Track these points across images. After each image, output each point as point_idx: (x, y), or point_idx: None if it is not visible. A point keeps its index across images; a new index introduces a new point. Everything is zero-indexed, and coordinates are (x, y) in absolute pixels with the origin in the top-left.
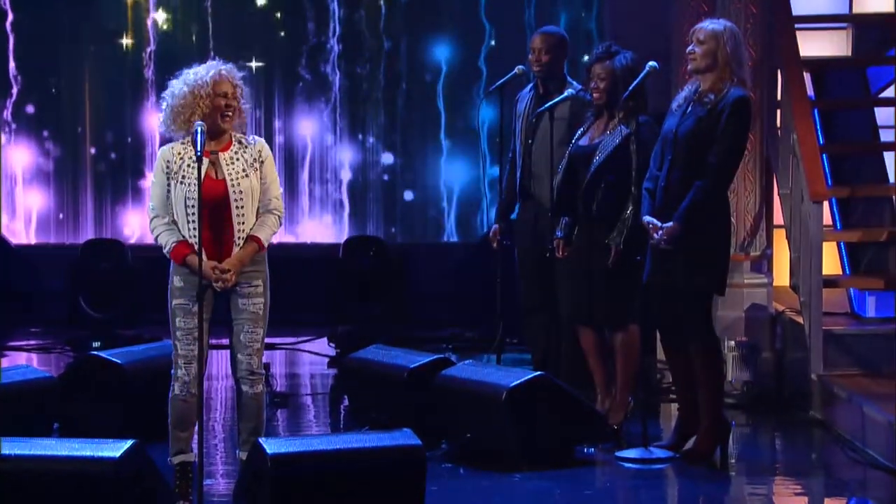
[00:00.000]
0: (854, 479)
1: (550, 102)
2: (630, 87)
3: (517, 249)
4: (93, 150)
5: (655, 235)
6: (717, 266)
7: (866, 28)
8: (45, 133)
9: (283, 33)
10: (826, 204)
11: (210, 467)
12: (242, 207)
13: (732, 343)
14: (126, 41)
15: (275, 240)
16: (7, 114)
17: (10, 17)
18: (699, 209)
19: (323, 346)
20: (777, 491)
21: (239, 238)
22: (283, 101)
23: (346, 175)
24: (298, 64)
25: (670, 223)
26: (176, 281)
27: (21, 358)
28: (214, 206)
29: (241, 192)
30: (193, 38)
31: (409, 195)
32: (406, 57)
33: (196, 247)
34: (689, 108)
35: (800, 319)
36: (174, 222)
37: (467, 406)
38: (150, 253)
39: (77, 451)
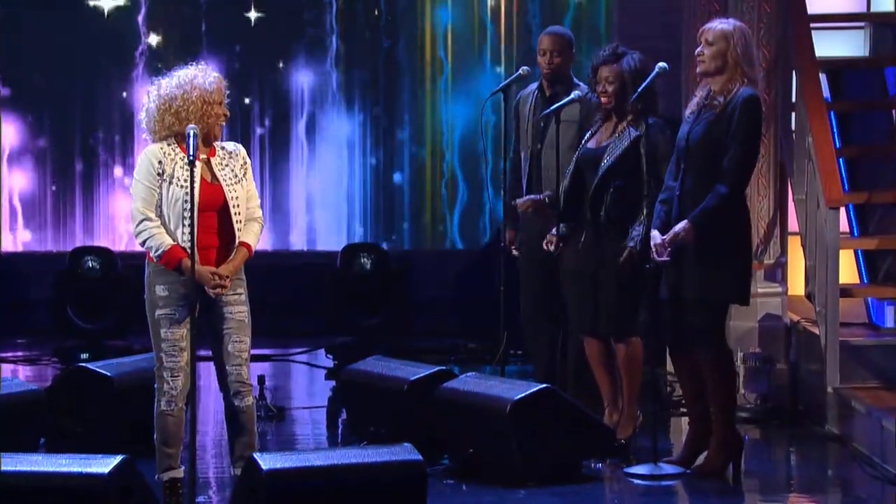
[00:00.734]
0: (872, 497)
1: (558, 104)
2: (639, 89)
3: (521, 256)
4: (80, 153)
5: (655, 255)
6: (739, 274)
7: (884, 27)
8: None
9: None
10: (843, 210)
11: (202, 483)
12: (239, 214)
13: (746, 354)
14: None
15: (269, 247)
16: None
17: None
18: (715, 213)
19: (320, 357)
20: None
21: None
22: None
23: (345, 181)
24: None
25: (683, 223)
26: (159, 290)
27: (7, 370)
28: (215, 212)
29: (236, 197)
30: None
31: (409, 200)
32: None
33: (189, 252)
34: (700, 113)
35: (815, 330)
36: (163, 226)
37: (470, 420)
38: (140, 261)
39: (65, 467)
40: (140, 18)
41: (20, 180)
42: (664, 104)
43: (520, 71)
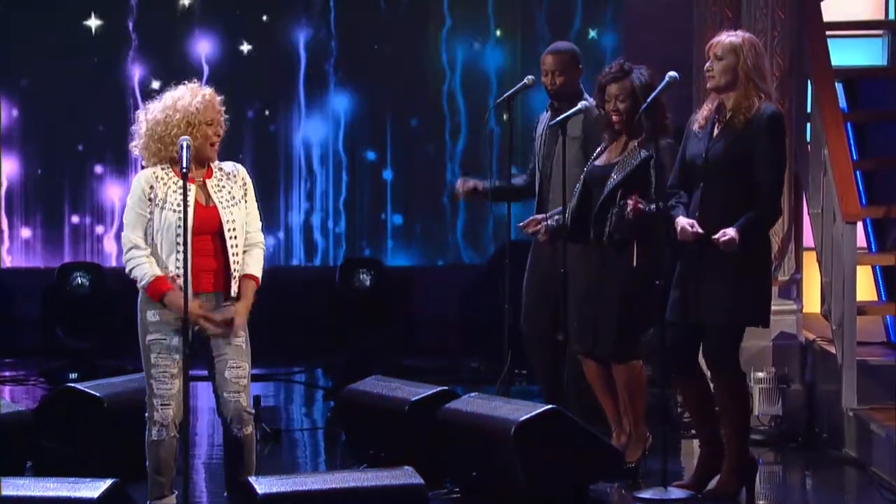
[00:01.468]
0: None
1: (561, 116)
2: (647, 100)
3: (529, 273)
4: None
5: (679, 237)
6: (762, 296)
7: None
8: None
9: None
10: (860, 225)
11: None
12: (235, 239)
13: (760, 374)
14: None
15: (266, 263)
16: None
17: None
18: (758, 229)
19: (318, 376)
20: None
21: (235, 270)
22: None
23: (344, 192)
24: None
25: (731, 229)
26: (149, 315)
27: None
28: (210, 235)
29: (233, 220)
30: None
31: (412, 213)
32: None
33: (182, 278)
34: (716, 132)
35: (832, 349)
36: (153, 254)
37: (473, 442)
38: (128, 277)
39: (53, 492)
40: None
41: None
42: (675, 116)
43: (524, 80)
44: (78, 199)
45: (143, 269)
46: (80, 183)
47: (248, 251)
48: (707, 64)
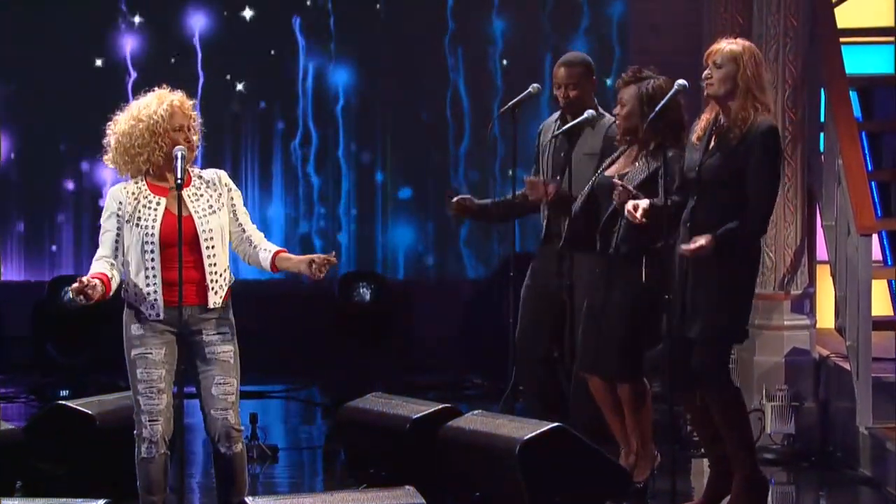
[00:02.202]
0: None
1: (566, 126)
2: (657, 108)
3: (529, 288)
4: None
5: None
6: (738, 311)
7: None
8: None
9: None
10: (875, 237)
11: None
12: (213, 248)
13: (772, 392)
14: None
15: (260, 275)
16: None
17: None
18: (738, 244)
19: (316, 394)
20: None
21: (211, 281)
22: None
23: (348, 203)
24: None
25: (707, 236)
26: (133, 329)
27: None
28: (186, 245)
29: (210, 230)
30: None
31: (414, 225)
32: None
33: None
34: (712, 144)
35: (846, 365)
36: (121, 266)
37: (476, 461)
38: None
39: None
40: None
41: None
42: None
43: (529, 89)
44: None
45: (91, 270)
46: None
47: (255, 243)
48: (706, 71)
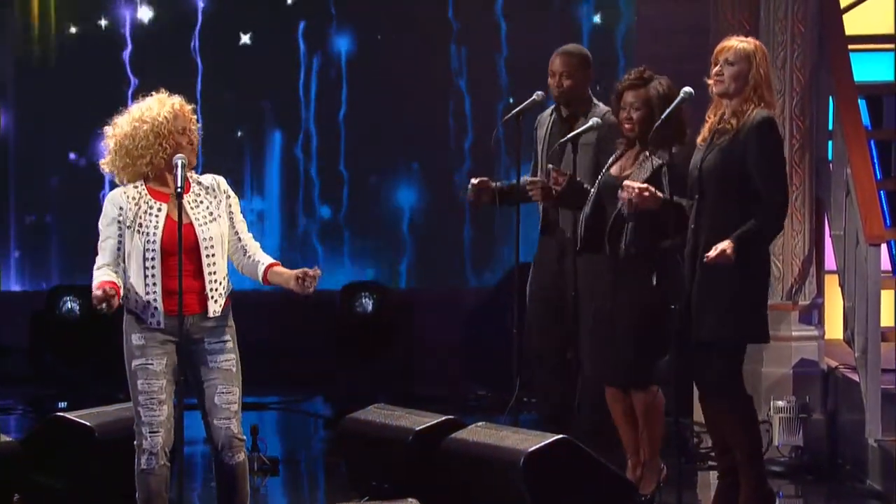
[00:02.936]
0: None
1: (574, 132)
2: (660, 119)
3: (532, 289)
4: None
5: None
6: (757, 311)
7: None
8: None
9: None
10: (884, 247)
11: None
12: (213, 255)
13: (780, 403)
14: None
15: (263, 285)
16: None
17: None
18: (758, 239)
19: (318, 405)
20: None
21: (211, 290)
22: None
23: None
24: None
25: (726, 242)
26: (135, 339)
27: None
28: (187, 253)
29: (210, 237)
30: None
31: (417, 234)
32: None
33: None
34: (713, 139)
35: (855, 377)
36: (122, 273)
37: (480, 473)
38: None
39: None
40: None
41: None
42: (690, 131)
43: (534, 96)
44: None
45: (95, 282)
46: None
47: (250, 253)
48: (716, 68)
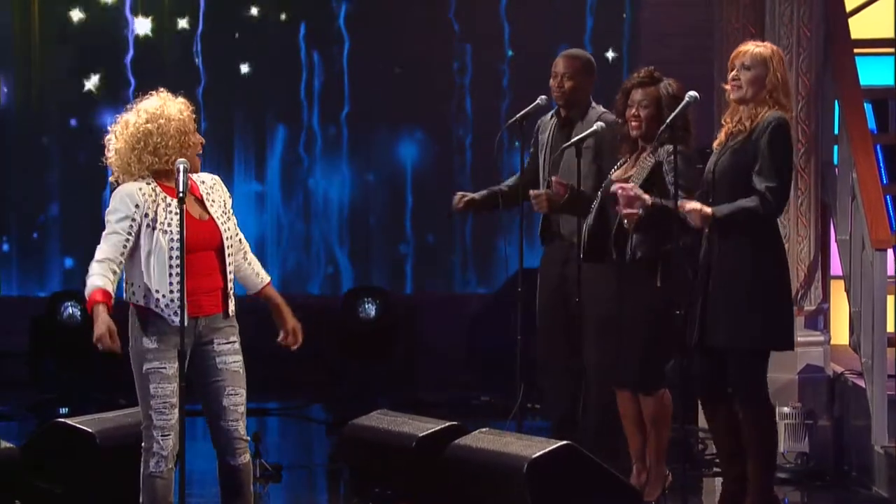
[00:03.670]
0: None
1: (578, 137)
2: (668, 120)
3: (539, 296)
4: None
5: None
6: (779, 316)
7: None
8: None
9: None
10: (890, 252)
11: None
12: (232, 255)
13: (785, 409)
14: None
15: None
16: None
17: None
18: (740, 223)
19: (320, 411)
20: None
21: (230, 289)
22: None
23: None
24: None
25: (707, 208)
26: (146, 342)
27: None
28: (213, 251)
29: (230, 236)
30: None
31: (420, 240)
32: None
33: (176, 302)
34: (727, 143)
35: (861, 383)
36: (146, 279)
37: (483, 480)
38: (127, 306)
39: None
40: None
41: None
42: (695, 134)
43: (538, 101)
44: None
45: (90, 281)
46: None
47: (251, 258)
48: (732, 73)
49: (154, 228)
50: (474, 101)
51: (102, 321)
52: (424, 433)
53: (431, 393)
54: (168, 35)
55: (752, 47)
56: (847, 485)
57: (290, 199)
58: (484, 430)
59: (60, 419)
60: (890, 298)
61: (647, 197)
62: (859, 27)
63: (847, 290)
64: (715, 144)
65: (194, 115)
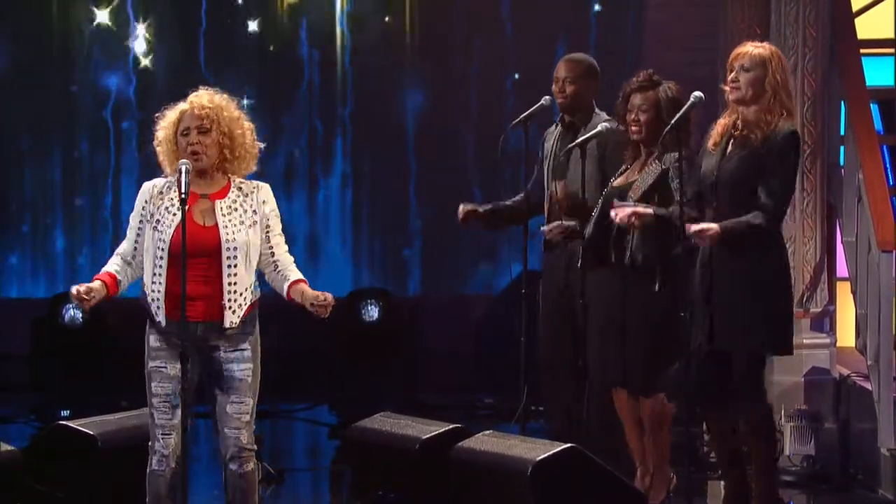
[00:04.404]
0: None
1: (580, 139)
2: (672, 121)
3: (542, 301)
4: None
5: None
6: (779, 320)
7: None
8: None
9: None
10: None
11: None
12: (235, 266)
13: (791, 412)
14: None
15: (268, 292)
16: None
17: None
18: (745, 238)
19: (323, 413)
20: None
21: (230, 300)
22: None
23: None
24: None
25: (714, 224)
26: (152, 340)
27: None
28: (208, 258)
29: (235, 247)
30: None
31: (421, 243)
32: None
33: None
34: (730, 148)
35: (867, 385)
36: (135, 267)
37: (487, 483)
38: (131, 307)
39: None
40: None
41: None
42: (697, 136)
43: (542, 101)
44: None
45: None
46: None
47: (281, 268)
48: (731, 75)
49: (153, 227)
50: (479, 100)
51: (88, 284)
52: (428, 436)
53: (435, 395)
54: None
55: (751, 48)
56: (853, 488)
57: (291, 199)
58: (488, 432)
59: (62, 422)
60: None
61: (648, 212)
62: (859, 27)
63: (853, 292)
64: (710, 144)
65: (206, 111)
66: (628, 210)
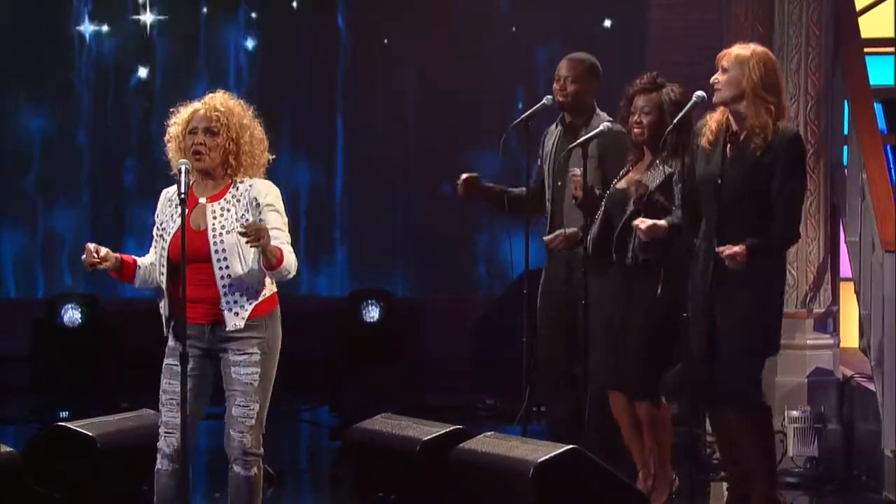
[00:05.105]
0: None
1: (581, 139)
2: (675, 120)
3: (542, 304)
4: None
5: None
6: (775, 323)
7: None
8: None
9: None
10: None
11: None
12: (227, 268)
13: (794, 413)
14: None
15: None
16: None
17: None
18: (773, 249)
19: (324, 414)
20: None
21: (227, 302)
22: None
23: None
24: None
25: (741, 246)
26: (170, 339)
27: None
28: (200, 264)
29: (224, 248)
30: None
31: (424, 243)
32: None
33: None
34: (730, 153)
35: (871, 386)
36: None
37: (488, 484)
38: (131, 307)
39: None
40: None
41: None
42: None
43: (543, 101)
44: None
45: None
46: None
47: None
48: (714, 76)
49: (160, 236)
50: (482, 114)
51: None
52: (429, 437)
53: (436, 396)
54: None
55: (735, 49)
56: (856, 489)
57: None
58: (489, 433)
59: (61, 423)
60: None
61: (663, 224)
62: (860, 27)
63: (857, 293)
64: (704, 142)
65: (216, 114)
66: (649, 222)
